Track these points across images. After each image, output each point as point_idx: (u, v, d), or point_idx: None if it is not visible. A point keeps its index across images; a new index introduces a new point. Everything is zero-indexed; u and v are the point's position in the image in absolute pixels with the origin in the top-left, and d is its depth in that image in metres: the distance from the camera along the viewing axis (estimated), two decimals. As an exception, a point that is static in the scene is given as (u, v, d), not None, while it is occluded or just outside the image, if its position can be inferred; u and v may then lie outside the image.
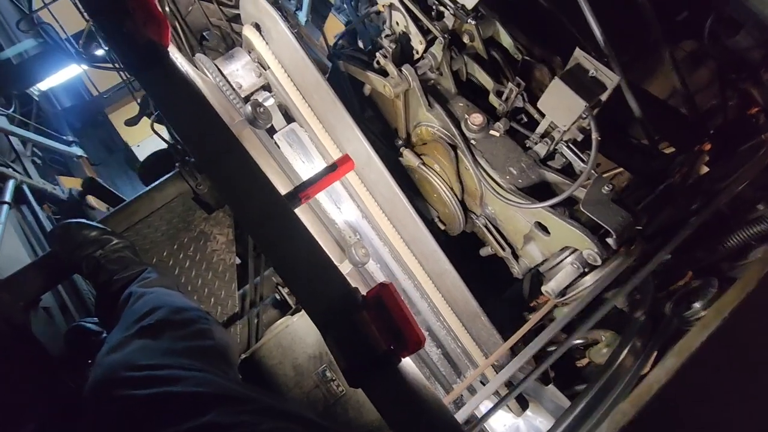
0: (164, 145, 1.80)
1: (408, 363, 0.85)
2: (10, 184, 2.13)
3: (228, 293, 1.75)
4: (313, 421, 0.88)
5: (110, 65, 1.64)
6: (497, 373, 1.36)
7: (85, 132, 4.17)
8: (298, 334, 1.37)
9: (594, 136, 1.08)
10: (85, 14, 1.84)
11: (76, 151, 3.14)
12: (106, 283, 1.39)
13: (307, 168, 1.49)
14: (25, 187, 2.22)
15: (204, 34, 1.79)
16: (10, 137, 2.61)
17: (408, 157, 1.39)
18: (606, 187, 1.12)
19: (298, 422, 0.86)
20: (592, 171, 1.11)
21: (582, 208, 1.13)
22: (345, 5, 1.66)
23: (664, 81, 2.14)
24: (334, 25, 3.63)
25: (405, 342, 0.81)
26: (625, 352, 1.38)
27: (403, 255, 1.53)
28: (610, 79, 1.06)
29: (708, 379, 0.76)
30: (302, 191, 0.99)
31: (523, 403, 1.57)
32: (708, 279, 1.38)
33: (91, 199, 2.79)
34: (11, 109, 2.76)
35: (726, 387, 0.73)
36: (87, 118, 3.79)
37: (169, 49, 1.04)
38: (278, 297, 1.69)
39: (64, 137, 3.38)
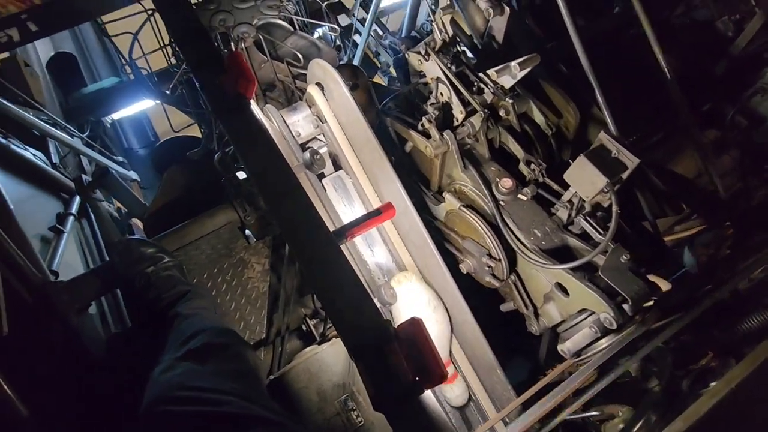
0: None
1: (429, 396, 0.93)
2: (77, 199, 2.36)
3: (257, 319, 1.86)
4: None
5: (185, 108, 1.90)
6: (507, 428, 1.38)
7: (137, 157, 4.55)
8: (325, 362, 1.45)
9: (614, 209, 1.20)
10: (171, 58, 2.15)
11: (132, 174, 3.43)
12: (155, 300, 1.53)
13: (347, 211, 1.64)
14: (87, 203, 2.44)
15: (269, 86, 2.04)
16: (81, 157, 2.91)
17: (450, 200, 1.52)
18: (624, 257, 1.21)
19: None
20: (610, 243, 1.21)
21: (601, 274, 1.22)
22: (395, 74, 1.88)
23: (689, 163, 2.26)
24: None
25: (430, 375, 0.90)
26: (639, 424, 1.40)
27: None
28: (631, 161, 1.19)
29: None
30: (348, 230, 1.13)
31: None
32: (726, 359, 1.41)
33: (135, 221, 3.01)
34: (86, 133, 3.10)
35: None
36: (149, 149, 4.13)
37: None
38: (304, 328, 1.78)
39: (119, 159, 3.68)
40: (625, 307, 1.21)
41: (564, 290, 1.34)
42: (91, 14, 2.68)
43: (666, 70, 1.88)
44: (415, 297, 1.48)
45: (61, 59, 4.29)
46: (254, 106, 1.32)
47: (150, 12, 1.94)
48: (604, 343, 1.27)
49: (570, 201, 1.37)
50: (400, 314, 1.50)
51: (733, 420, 0.82)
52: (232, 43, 1.71)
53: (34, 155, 2.23)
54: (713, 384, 1.18)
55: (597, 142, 1.25)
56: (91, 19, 3.52)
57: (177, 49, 1.82)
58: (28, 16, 2.44)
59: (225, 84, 1.25)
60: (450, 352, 1.59)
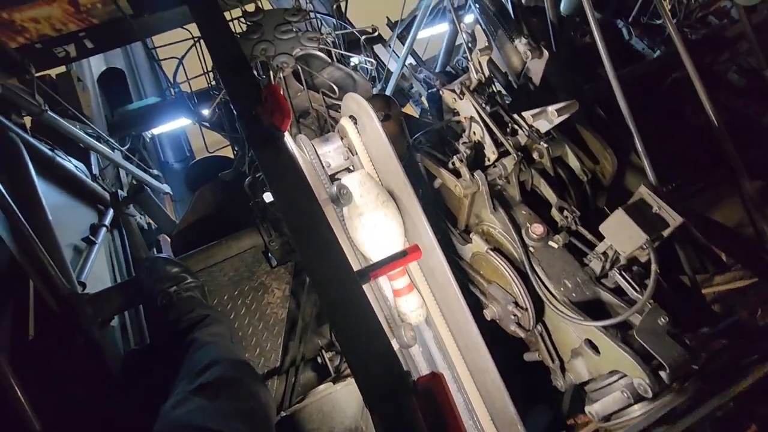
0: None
1: (446, 457, 0.87)
2: (111, 211, 2.44)
3: (273, 346, 1.84)
4: None
5: (221, 130, 1.97)
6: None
7: (172, 170, 4.72)
8: (339, 403, 1.41)
9: (653, 268, 1.13)
10: (212, 82, 2.23)
11: (165, 188, 3.54)
12: (174, 322, 1.53)
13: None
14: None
15: (303, 113, 2.08)
16: (120, 169, 3.03)
17: (477, 242, 1.48)
18: (662, 319, 1.14)
19: None
20: (648, 303, 1.14)
21: (636, 336, 1.14)
22: (427, 105, 1.89)
23: (731, 213, 2.15)
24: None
25: (448, 434, 0.85)
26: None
27: (447, 344, 1.57)
28: (674, 219, 1.13)
29: None
30: (372, 271, 1.10)
31: None
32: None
33: (164, 236, 3.08)
34: (126, 146, 3.24)
35: None
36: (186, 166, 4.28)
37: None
38: (319, 360, 1.75)
39: (154, 172, 3.81)
40: (662, 374, 1.13)
41: (594, 348, 1.27)
42: (142, 35, 2.84)
43: (712, 115, 1.80)
44: (365, 191, 1.43)
45: (111, 74, 4.55)
46: (287, 137, 1.34)
47: (196, 39, 2.02)
48: (637, 410, 1.18)
49: (604, 253, 1.30)
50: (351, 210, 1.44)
51: None
52: (271, 72, 1.76)
53: (76, 167, 2.33)
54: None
55: (637, 196, 1.19)
56: (141, 39, 3.73)
57: (218, 76, 1.88)
58: (86, 34, 2.60)
59: (261, 115, 1.28)
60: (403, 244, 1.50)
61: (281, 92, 1.32)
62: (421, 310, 1.48)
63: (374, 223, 1.42)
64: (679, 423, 1.14)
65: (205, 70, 2.21)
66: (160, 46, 2.46)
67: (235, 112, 1.33)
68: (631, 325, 1.21)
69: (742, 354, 1.32)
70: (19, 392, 1.23)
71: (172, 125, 3.58)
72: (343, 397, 1.43)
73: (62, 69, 3.19)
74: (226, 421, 0.96)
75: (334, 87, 1.84)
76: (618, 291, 1.32)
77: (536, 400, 1.79)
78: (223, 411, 1.01)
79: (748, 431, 1.40)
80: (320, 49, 1.94)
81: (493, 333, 1.51)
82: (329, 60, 1.96)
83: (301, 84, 1.96)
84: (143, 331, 2.20)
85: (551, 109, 1.39)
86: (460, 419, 0.84)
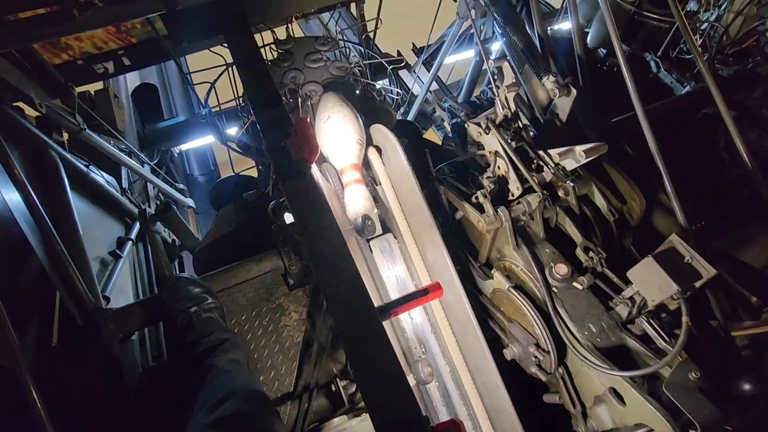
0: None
1: None
2: (137, 225, 2.51)
3: (288, 370, 1.84)
4: None
5: (248, 153, 2.02)
6: None
7: (197, 183, 4.84)
8: (353, 441, 1.39)
9: (684, 320, 1.09)
10: (241, 106, 2.30)
11: (189, 202, 3.62)
12: (193, 344, 1.55)
13: (390, 272, 1.61)
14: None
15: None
16: (148, 183, 3.12)
17: (499, 279, 1.46)
18: (694, 374, 1.09)
19: None
20: (678, 356, 1.10)
21: (665, 390, 1.10)
22: (452, 138, 1.89)
23: (763, 254, 2.07)
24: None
25: (466, 490, 0.82)
26: None
27: (464, 381, 1.53)
28: (707, 270, 1.10)
29: None
30: (393, 308, 1.10)
31: None
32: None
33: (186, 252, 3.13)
34: (155, 161, 3.34)
35: None
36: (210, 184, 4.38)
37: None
38: (333, 388, 1.73)
39: (180, 186, 3.90)
40: (692, 432, 1.08)
41: (620, 397, 1.22)
42: (177, 54, 2.95)
43: (744, 154, 1.75)
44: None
45: (145, 89, 4.74)
46: (314, 168, 1.36)
47: (229, 65, 2.09)
48: (663, 468, 1.12)
49: (631, 298, 1.27)
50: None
51: None
52: (300, 101, 1.80)
53: (107, 182, 2.41)
54: None
55: (667, 244, 1.16)
56: (176, 58, 3.88)
57: (248, 103, 1.93)
58: (125, 52, 2.72)
59: (289, 147, 1.31)
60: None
61: (310, 127, 1.34)
62: (368, 203, 1.51)
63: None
64: (710, 486, 1.08)
65: (236, 95, 2.27)
66: (195, 72, 2.56)
67: (263, 142, 1.36)
68: (659, 376, 1.17)
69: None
70: (38, 401, 1.25)
71: (199, 141, 3.68)
72: (358, 433, 1.42)
73: (99, 85, 3.34)
74: None
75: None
76: (645, 339, 1.27)
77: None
78: None
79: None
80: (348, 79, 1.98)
81: (511, 370, 1.48)
82: (357, 87, 1.99)
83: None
84: (161, 345, 2.23)
85: (579, 149, 1.38)
86: (479, 474, 0.82)
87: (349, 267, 1.08)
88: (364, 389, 0.96)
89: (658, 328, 1.22)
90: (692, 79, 2.70)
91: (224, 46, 2.09)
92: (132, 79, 4.83)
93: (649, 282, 1.14)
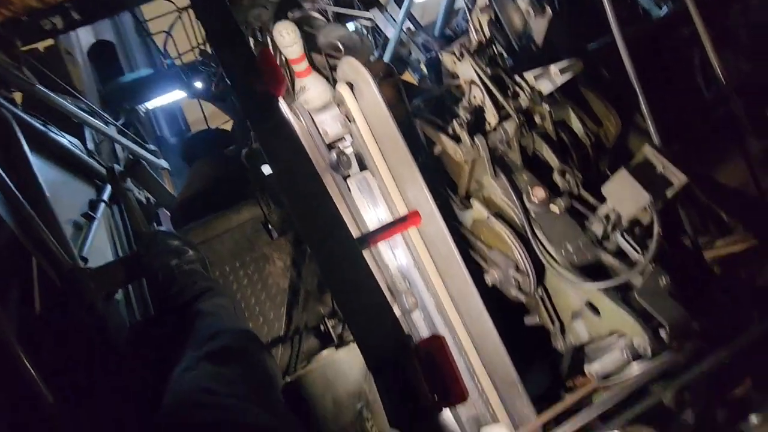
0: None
1: (448, 418, 0.89)
2: (109, 186, 2.42)
3: (276, 315, 1.87)
4: None
5: (217, 102, 1.93)
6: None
7: (168, 145, 4.66)
8: (342, 369, 1.44)
9: (656, 229, 1.12)
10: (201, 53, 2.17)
11: (162, 163, 3.50)
12: (177, 294, 1.55)
13: (371, 213, 1.61)
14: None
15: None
16: (115, 144, 2.99)
17: (478, 208, 1.47)
18: (664, 280, 1.14)
19: None
20: (650, 264, 1.14)
21: (637, 296, 1.15)
22: (426, 72, 1.83)
23: (737, 174, 2.12)
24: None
25: (449, 394, 0.86)
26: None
27: (448, 310, 1.58)
28: (678, 178, 1.11)
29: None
30: (372, 237, 1.10)
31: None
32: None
33: (163, 211, 3.07)
34: (120, 121, 3.18)
35: None
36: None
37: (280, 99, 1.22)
38: (322, 328, 1.77)
39: (151, 147, 3.76)
40: (662, 333, 1.14)
41: (595, 309, 1.28)
42: (130, 4, 2.74)
43: (721, 74, 1.75)
44: None
45: (101, 47, 4.42)
46: (284, 107, 1.30)
47: (181, 10, 1.94)
48: (635, 369, 1.20)
49: (606, 216, 1.29)
50: None
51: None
52: (269, 38, 1.70)
53: (70, 142, 2.30)
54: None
55: (640, 156, 1.17)
56: (129, 8, 3.60)
57: (210, 47, 1.82)
58: (72, 5, 2.51)
59: (255, 83, 1.24)
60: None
61: (274, 59, 1.27)
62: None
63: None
64: (677, 380, 1.16)
65: (196, 44, 2.14)
66: (150, 19, 2.39)
67: (229, 82, 1.29)
68: (632, 286, 1.22)
69: (740, 314, 1.33)
70: (29, 366, 1.25)
71: (167, 98, 3.50)
72: (346, 362, 1.46)
73: (49, 43, 3.11)
74: (234, 385, 0.98)
75: (339, 45, 1.78)
76: (620, 254, 1.31)
77: (536, 364, 1.82)
78: (230, 377, 1.03)
79: (743, 385, 1.43)
80: (316, 10, 1.86)
81: (493, 299, 1.52)
82: (326, 20, 1.89)
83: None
84: (147, 305, 2.23)
85: (554, 68, 1.34)
86: (461, 379, 0.86)
87: (324, 198, 1.06)
88: (348, 315, 0.97)
89: (631, 242, 1.25)
90: (669, 0, 2.62)
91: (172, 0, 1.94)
92: (87, 38, 4.51)
93: (623, 195, 1.16)
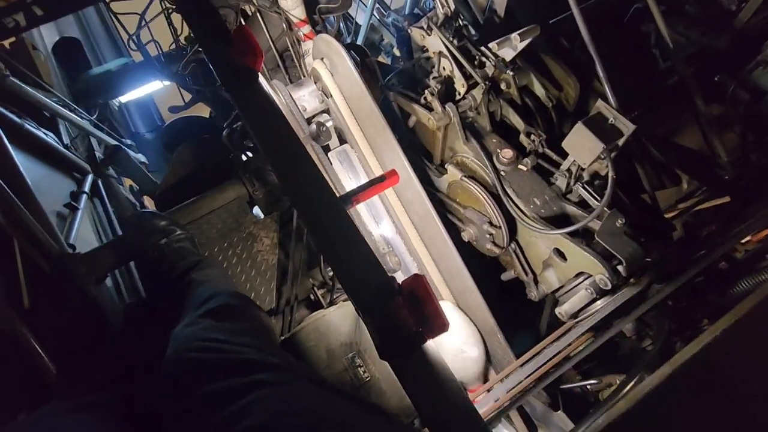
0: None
1: (432, 347, 0.99)
2: (89, 178, 2.42)
3: (267, 290, 1.93)
4: (345, 392, 1.03)
5: (194, 86, 1.96)
6: (502, 384, 1.45)
7: (144, 140, 4.61)
8: (333, 323, 1.53)
9: (610, 174, 1.24)
10: (180, 38, 2.19)
11: (140, 157, 3.48)
12: (167, 270, 1.59)
13: (353, 184, 1.69)
14: (100, 182, 2.51)
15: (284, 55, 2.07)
16: (91, 138, 2.97)
17: (452, 171, 1.57)
18: (620, 221, 1.26)
19: (332, 390, 1.01)
20: (605, 208, 1.26)
21: (597, 238, 1.27)
22: (399, 54, 1.91)
23: (692, 137, 2.28)
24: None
25: (432, 325, 0.96)
26: (633, 382, 1.46)
27: (430, 271, 1.68)
28: (627, 127, 1.23)
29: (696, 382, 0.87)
30: (354, 195, 1.18)
31: (531, 426, 1.63)
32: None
33: (147, 198, 3.07)
34: (94, 116, 3.15)
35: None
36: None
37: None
38: (312, 298, 1.85)
39: (127, 141, 3.73)
40: (620, 269, 1.26)
41: (562, 255, 1.39)
42: (96, -2, 2.71)
43: (670, 43, 1.89)
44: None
45: (66, 44, 4.32)
46: (263, 83, 1.36)
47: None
48: (599, 304, 1.32)
49: (569, 170, 1.41)
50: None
51: (717, 362, 0.89)
52: (259, 15, 1.76)
53: (47, 135, 2.29)
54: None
55: (594, 110, 1.28)
56: (96, 3, 3.53)
57: (187, 26, 1.86)
58: (34, 0, 2.48)
59: (233, 58, 1.30)
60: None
61: (250, 33, 1.33)
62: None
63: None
64: (636, 311, 1.29)
65: (175, 35, 2.15)
66: (116, 0, 2.38)
67: (207, 59, 1.34)
68: (593, 232, 1.34)
69: (691, 251, 1.47)
70: (32, 339, 1.29)
71: (140, 91, 3.47)
72: (337, 317, 1.55)
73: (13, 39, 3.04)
74: (234, 336, 1.05)
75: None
76: (582, 204, 1.43)
77: (518, 325, 1.95)
78: (231, 329, 1.09)
79: (702, 323, 1.58)
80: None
81: (471, 259, 1.63)
82: None
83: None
84: (138, 290, 2.26)
85: (514, 35, 1.44)
86: (440, 308, 0.95)
87: (307, 160, 1.14)
88: (335, 263, 1.05)
89: (591, 191, 1.37)
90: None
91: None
92: (50, 35, 4.39)
93: (581, 147, 1.27)
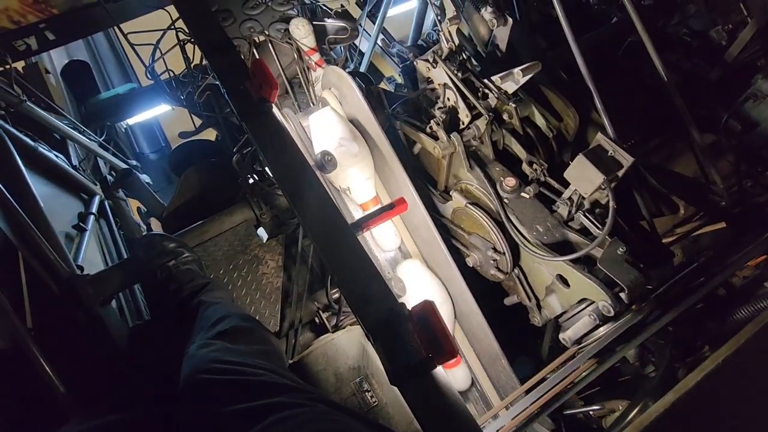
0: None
1: (441, 372, 1.01)
2: (96, 199, 2.46)
3: (272, 313, 1.95)
4: (356, 413, 1.04)
5: (203, 112, 2.02)
6: (508, 412, 1.46)
7: (148, 161, 4.67)
8: (341, 347, 1.54)
9: (611, 204, 1.28)
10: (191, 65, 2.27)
11: (145, 178, 3.53)
12: (176, 291, 1.61)
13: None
14: (106, 203, 2.54)
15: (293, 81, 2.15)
16: (98, 160, 3.02)
17: (457, 198, 1.61)
18: (621, 249, 1.30)
19: (347, 411, 1.02)
20: (606, 237, 1.30)
21: (599, 265, 1.30)
22: (402, 81, 1.99)
23: (687, 166, 2.35)
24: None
25: (441, 351, 0.98)
26: (636, 410, 1.47)
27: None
28: (626, 159, 1.28)
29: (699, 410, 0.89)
30: (364, 222, 1.22)
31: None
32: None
33: (154, 220, 3.10)
34: (101, 137, 3.21)
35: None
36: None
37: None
38: (317, 321, 1.86)
39: (133, 162, 3.78)
40: (622, 295, 1.29)
41: (565, 281, 1.43)
42: (107, 24, 2.79)
43: (664, 75, 1.97)
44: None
45: (75, 67, 4.42)
46: (275, 110, 1.42)
47: (173, 21, 2.05)
48: (602, 330, 1.35)
49: (570, 198, 1.45)
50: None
51: (719, 391, 0.91)
52: (270, 44, 1.83)
53: (57, 157, 2.33)
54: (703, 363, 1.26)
55: (595, 143, 1.34)
56: (105, 29, 3.63)
57: (204, 58, 1.94)
58: (47, 25, 2.55)
59: (249, 89, 1.36)
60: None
61: (267, 66, 1.39)
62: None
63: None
64: (638, 337, 1.31)
65: (189, 62, 2.23)
66: (132, 33, 2.46)
67: (223, 91, 1.40)
68: (595, 259, 1.37)
69: (690, 279, 1.50)
70: (40, 357, 1.30)
71: (146, 114, 3.55)
72: (344, 342, 1.56)
73: (28, 61, 3.12)
74: (249, 358, 1.06)
75: (345, 24, 1.92)
76: (584, 231, 1.47)
77: (521, 350, 1.96)
78: (245, 351, 1.11)
79: (703, 350, 1.60)
80: (296, 10, 2.00)
81: (476, 283, 1.66)
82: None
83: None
84: (141, 313, 2.26)
85: (517, 70, 1.51)
86: (449, 335, 0.97)
87: (319, 189, 1.18)
88: (346, 289, 1.08)
89: (593, 219, 1.42)
90: (618, 10, 2.88)
91: (166, 11, 2.05)
92: (59, 58, 4.50)
93: (582, 177, 1.32)
